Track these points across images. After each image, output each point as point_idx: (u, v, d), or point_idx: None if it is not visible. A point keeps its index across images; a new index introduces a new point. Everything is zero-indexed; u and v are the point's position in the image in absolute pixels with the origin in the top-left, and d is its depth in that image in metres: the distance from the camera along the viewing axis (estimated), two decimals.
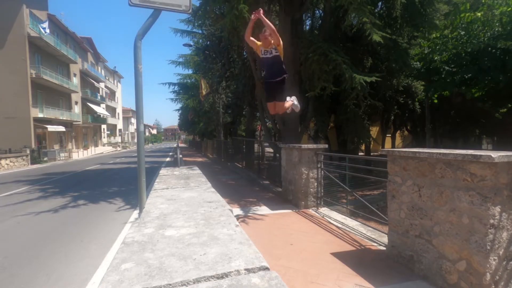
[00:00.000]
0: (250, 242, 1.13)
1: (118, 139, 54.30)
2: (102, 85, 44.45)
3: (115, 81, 55.59)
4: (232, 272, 0.90)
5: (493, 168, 2.13)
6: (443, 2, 10.10)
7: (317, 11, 11.10)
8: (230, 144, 14.56)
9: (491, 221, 2.15)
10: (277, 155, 8.04)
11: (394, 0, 7.94)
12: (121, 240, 4.22)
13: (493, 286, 2.20)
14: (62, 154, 24.48)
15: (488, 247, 2.16)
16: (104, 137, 47.01)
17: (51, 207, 6.79)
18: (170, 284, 0.84)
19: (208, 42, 15.80)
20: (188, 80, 25.00)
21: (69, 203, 7.21)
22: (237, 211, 5.51)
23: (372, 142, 13.90)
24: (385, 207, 3.60)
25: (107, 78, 47.94)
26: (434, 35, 9.81)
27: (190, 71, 23.34)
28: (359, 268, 3.00)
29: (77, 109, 34.16)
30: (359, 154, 14.67)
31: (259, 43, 3.69)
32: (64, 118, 28.88)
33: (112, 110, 50.68)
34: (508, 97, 9.17)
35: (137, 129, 2.03)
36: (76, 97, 33.69)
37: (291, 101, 4.08)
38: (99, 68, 44.18)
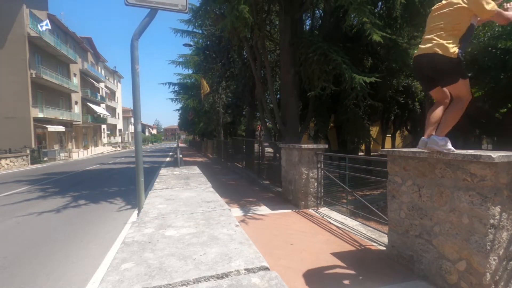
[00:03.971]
0: (250, 242, 1.13)
1: (118, 139, 54.31)
2: (102, 85, 44.45)
3: (115, 81, 55.58)
4: (232, 272, 0.90)
5: (493, 168, 2.13)
6: None
7: (317, 11, 11.09)
8: (230, 144, 14.55)
9: (491, 221, 2.15)
10: (277, 155, 8.03)
11: (394, 0, 7.93)
12: (121, 240, 4.22)
13: (493, 286, 2.20)
14: (62, 154, 24.46)
15: (488, 247, 2.16)
16: (104, 137, 47.02)
17: (51, 207, 6.79)
18: (170, 284, 0.84)
19: (208, 42, 15.78)
20: (188, 80, 24.97)
21: (69, 203, 7.22)
22: (237, 211, 5.51)
23: (372, 142, 13.90)
24: (385, 207, 3.60)
25: (107, 78, 47.94)
26: None
27: (190, 71, 23.33)
28: (359, 268, 3.00)
29: (77, 109, 34.16)
30: (359, 154, 14.66)
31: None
32: (64, 118, 28.87)
33: (112, 110, 50.68)
34: (508, 97, 9.15)
35: (135, 129, 2.03)
36: (76, 97, 33.69)
37: None
38: (99, 68, 44.18)
